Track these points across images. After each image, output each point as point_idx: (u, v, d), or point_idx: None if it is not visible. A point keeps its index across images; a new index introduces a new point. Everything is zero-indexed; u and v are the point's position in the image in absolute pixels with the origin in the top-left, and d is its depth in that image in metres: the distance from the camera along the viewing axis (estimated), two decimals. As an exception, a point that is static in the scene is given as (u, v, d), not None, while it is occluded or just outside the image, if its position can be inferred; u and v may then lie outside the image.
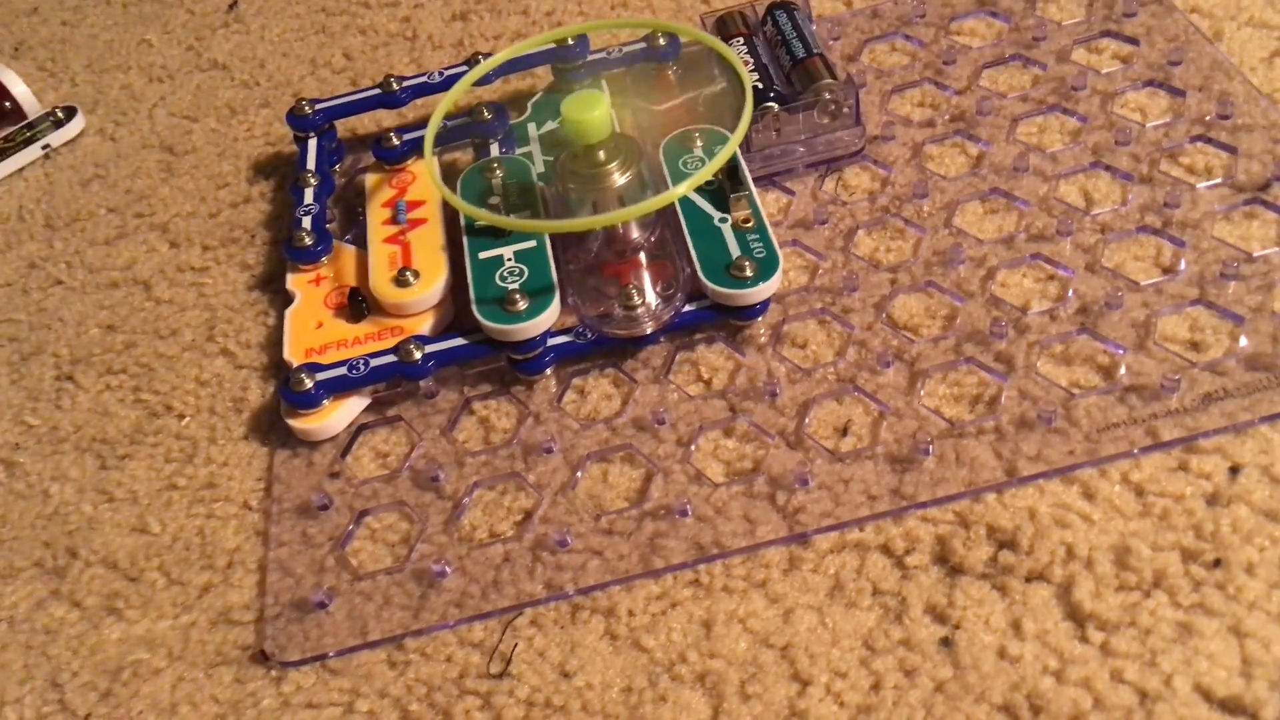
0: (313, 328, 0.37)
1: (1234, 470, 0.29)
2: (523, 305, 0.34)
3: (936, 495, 0.30)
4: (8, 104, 0.51)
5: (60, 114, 0.50)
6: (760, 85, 0.39)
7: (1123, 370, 0.32)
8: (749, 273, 0.34)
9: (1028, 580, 0.29)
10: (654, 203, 0.33)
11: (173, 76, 0.52)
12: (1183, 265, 0.34)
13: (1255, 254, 0.34)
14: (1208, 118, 0.38)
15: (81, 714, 0.31)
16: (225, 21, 0.55)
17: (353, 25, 0.52)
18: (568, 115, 0.34)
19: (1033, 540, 0.29)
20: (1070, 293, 0.34)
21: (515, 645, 0.30)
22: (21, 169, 0.49)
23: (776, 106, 0.38)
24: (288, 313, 0.38)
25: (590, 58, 0.43)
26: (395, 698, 0.30)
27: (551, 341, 0.35)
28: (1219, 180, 0.36)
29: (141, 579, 0.33)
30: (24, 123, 0.50)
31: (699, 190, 0.36)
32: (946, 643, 0.28)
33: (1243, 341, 0.32)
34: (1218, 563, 0.28)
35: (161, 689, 0.31)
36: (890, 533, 0.30)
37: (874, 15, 0.45)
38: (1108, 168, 0.37)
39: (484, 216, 0.35)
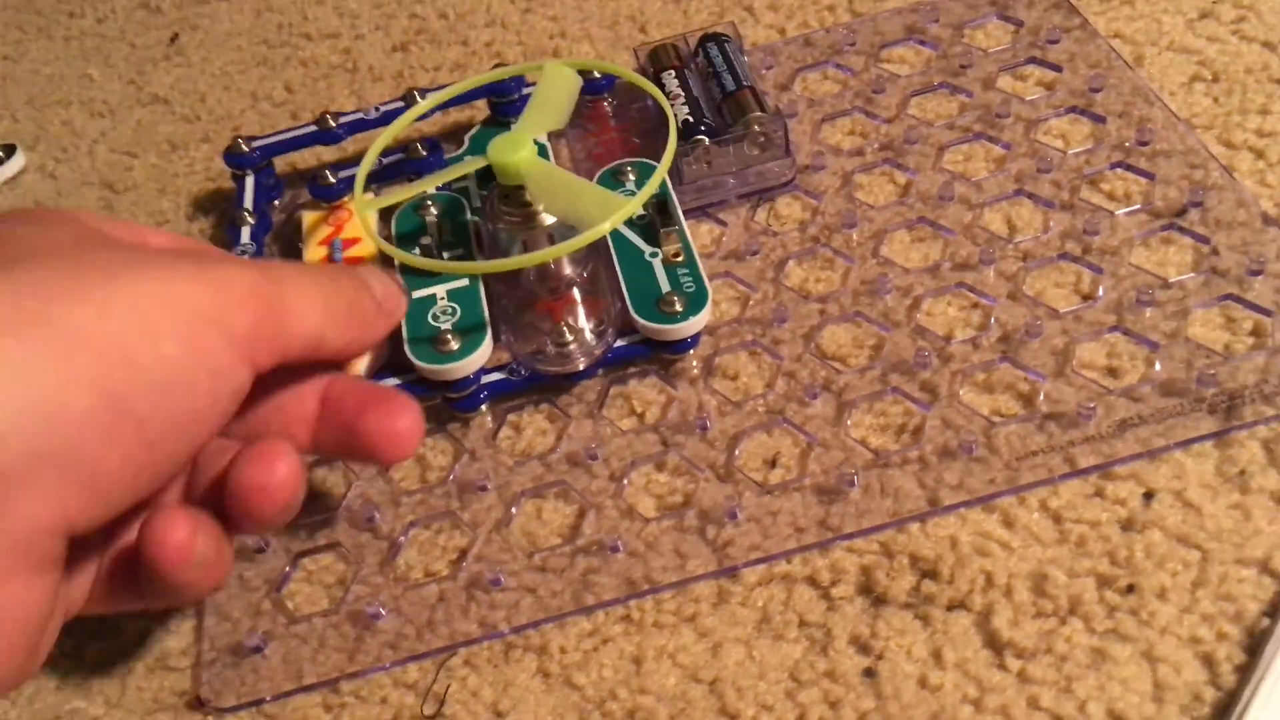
0: (249, 368, 0.37)
1: (1148, 496, 0.30)
2: (454, 345, 0.34)
3: (862, 526, 0.31)
4: (-53, 143, 0.51)
5: (0, 152, 0.50)
6: (691, 118, 0.39)
7: (1042, 398, 0.32)
8: (678, 307, 0.34)
9: (949, 609, 0.29)
10: (580, 240, 0.33)
11: (114, 111, 0.52)
12: (1101, 292, 0.35)
13: (1170, 280, 0.34)
14: (1127, 144, 0.38)
15: (18, 764, 0.31)
16: (167, 54, 0.55)
17: (294, 57, 0.52)
18: (493, 158, 0.34)
19: (953, 569, 0.30)
20: (993, 321, 0.35)
21: (449, 686, 0.30)
22: (-39, 208, 0.49)
23: (707, 140, 0.39)
24: (225, 353, 0.38)
25: (525, 91, 0.43)
26: (331, 741, 0.30)
27: (485, 379, 0.35)
28: (1137, 206, 0.37)
29: (78, 625, 0.33)
30: (-37, 162, 0.50)
31: (631, 224, 0.37)
32: (870, 673, 0.29)
33: (1157, 367, 0.32)
34: (1131, 588, 0.29)
35: (99, 737, 0.31)
36: (817, 564, 0.31)
37: (806, 43, 0.45)
38: (1030, 195, 0.38)
39: (412, 261, 0.35)
